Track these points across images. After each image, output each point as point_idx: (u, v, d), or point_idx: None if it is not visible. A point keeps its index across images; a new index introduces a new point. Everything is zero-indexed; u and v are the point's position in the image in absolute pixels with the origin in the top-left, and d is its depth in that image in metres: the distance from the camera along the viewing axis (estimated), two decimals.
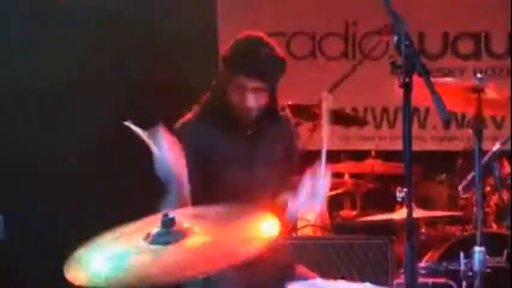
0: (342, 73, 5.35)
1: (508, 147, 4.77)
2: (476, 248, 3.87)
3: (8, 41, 6.80)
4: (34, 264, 6.01)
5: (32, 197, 6.56)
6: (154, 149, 3.56)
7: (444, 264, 4.58)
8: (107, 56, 6.72)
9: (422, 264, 4.85)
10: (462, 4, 7.36)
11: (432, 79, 2.98)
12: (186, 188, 3.66)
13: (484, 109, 4.06)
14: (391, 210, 5.07)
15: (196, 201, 3.63)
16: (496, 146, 4.37)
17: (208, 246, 2.86)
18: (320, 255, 4.26)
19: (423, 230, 5.76)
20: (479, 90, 3.98)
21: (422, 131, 7.01)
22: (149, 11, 6.80)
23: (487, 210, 5.45)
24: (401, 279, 4.21)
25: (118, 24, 6.72)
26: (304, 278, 3.70)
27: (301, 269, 3.84)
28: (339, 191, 6.07)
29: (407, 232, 2.91)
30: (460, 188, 5.01)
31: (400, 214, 4.06)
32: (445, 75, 6.81)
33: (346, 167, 6.17)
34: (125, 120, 3.57)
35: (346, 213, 6.27)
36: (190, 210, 3.42)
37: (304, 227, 5.48)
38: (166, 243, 2.79)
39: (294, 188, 3.87)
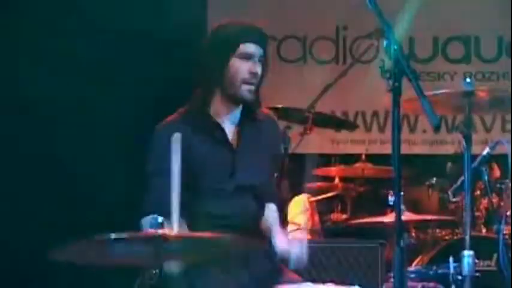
0: (332, 77, 5.32)
1: (497, 151, 4.79)
2: (465, 252, 3.86)
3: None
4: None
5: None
6: None
7: (434, 268, 4.53)
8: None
9: (411, 268, 4.83)
10: (452, 8, 7.39)
11: (422, 83, 3.02)
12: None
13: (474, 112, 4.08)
14: (382, 213, 5.11)
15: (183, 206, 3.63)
16: (486, 150, 4.34)
17: None
18: (310, 258, 4.26)
19: (413, 234, 5.76)
20: (468, 95, 3.95)
21: (412, 135, 7.06)
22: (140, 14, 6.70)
23: (476, 214, 5.49)
24: (390, 283, 4.18)
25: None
26: (292, 281, 3.71)
27: (288, 273, 3.83)
28: (330, 194, 6.07)
29: (396, 236, 2.94)
30: (449, 192, 5.07)
31: (391, 217, 4.08)
32: (435, 79, 6.77)
33: (337, 170, 6.19)
34: None
35: (337, 216, 6.26)
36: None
37: (294, 230, 5.37)
38: None
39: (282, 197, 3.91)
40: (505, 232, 5.13)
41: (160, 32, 6.59)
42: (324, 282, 3.76)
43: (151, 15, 6.77)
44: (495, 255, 4.77)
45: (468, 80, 4.09)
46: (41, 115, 6.48)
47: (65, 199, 6.49)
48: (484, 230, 5.52)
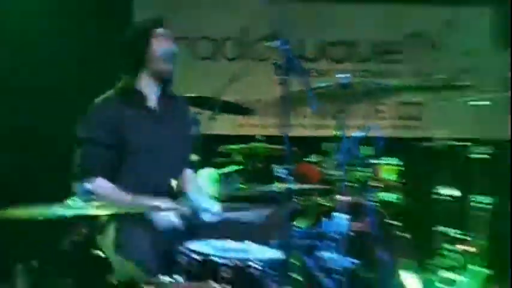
0: (237, 72, 5.36)
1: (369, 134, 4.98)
2: (338, 214, 4.04)
3: None
4: None
5: None
6: None
7: (315, 228, 4.51)
8: None
9: (296, 227, 4.79)
10: (337, 17, 7.53)
11: (310, 78, 3.16)
12: None
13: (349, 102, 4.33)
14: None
15: (113, 169, 3.81)
16: (359, 134, 4.49)
17: None
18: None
19: (298, 200, 5.52)
20: (345, 87, 4.17)
21: (303, 119, 7.16)
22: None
23: (351, 184, 5.30)
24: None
25: None
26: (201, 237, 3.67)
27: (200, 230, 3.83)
28: (232, 168, 6.07)
29: (284, 201, 3.09)
30: (327, 165, 5.39)
31: (280, 187, 4.13)
32: (321, 75, 7.00)
33: (238, 148, 6.14)
34: None
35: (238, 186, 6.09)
36: None
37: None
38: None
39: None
40: (374, 199, 5.27)
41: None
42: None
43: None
44: (367, 219, 4.66)
45: (345, 75, 4.23)
46: None
47: None
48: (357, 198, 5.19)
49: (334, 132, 4.56)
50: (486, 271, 5.72)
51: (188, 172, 4.23)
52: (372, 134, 5.17)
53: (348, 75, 4.29)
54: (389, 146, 5.88)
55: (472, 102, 5.94)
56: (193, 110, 4.59)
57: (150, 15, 4.42)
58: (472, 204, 5.93)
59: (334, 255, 3.92)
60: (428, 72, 7.28)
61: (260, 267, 3.33)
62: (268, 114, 6.96)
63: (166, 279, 3.26)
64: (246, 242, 3.57)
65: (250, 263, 3.32)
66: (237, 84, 5.15)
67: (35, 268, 4.42)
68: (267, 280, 3.36)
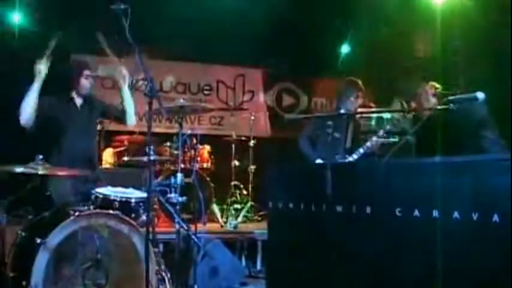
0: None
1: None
2: (178, 174, 3.85)
3: None
4: None
5: None
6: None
7: (167, 181, 4.30)
8: None
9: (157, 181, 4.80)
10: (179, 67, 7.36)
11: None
12: None
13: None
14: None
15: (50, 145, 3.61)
16: (188, 131, 4.54)
17: None
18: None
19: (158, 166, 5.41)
20: (182, 107, 4.00)
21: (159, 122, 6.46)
22: None
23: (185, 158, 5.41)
24: None
25: None
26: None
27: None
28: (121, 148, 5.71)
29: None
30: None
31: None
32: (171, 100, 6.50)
33: (127, 138, 5.73)
34: None
35: None
36: None
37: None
38: None
39: None
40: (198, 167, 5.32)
41: None
42: None
43: None
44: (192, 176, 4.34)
45: (182, 100, 4.07)
46: None
47: None
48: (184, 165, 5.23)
49: (176, 130, 4.27)
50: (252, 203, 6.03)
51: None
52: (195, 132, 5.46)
53: (183, 100, 4.09)
54: (206, 139, 6.10)
55: None
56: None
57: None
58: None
59: (174, 195, 3.84)
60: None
61: (134, 201, 3.34)
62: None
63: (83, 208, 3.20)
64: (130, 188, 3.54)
65: (129, 199, 3.34)
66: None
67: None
68: (139, 208, 3.34)
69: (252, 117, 6.33)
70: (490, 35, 4.83)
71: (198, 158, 5.64)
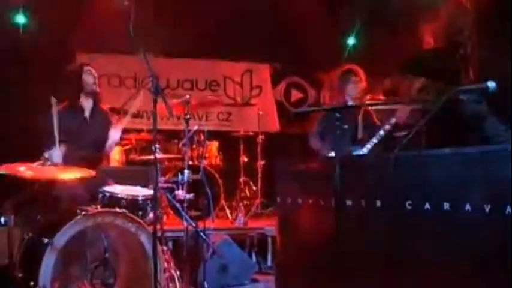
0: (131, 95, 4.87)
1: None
2: (185, 171, 3.90)
3: None
4: None
5: None
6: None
7: (174, 178, 4.20)
8: None
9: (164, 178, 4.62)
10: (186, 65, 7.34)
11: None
12: None
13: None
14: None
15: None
16: (195, 127, 4.46)
17: None
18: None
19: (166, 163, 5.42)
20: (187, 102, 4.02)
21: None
22: None
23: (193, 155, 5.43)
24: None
25: None
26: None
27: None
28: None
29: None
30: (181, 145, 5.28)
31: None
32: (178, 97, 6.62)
33: (134, 136, 5.69)
34: None
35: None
36: None
37: None
38: None
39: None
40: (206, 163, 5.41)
41: None
42: None
43: None
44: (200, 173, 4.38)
45: (187, 96, 4.05)
46: None
47: None
48: (195, 162, 5.27)
49: (181, 127, 4.33)
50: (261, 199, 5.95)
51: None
52: (202, 128, 5.37)
53: (188, 96, 4.02)
54: (214, 135, 6.21)
55: None
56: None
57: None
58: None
59: (181, 192, 3.86)
60: None
61: (141, 199, 3.35)
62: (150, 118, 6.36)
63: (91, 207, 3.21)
64: (137, 186, 3.55)
65: (137, 197, 3.36)
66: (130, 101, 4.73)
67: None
68: (146, 206, 3.35)
69: (260, 113, 6.29)
70: (500, 25, 4.74)
71: (206, 155, 5.63)
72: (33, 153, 3.29)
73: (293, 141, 6.22)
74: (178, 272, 3.52)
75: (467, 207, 2.09)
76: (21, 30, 6.10)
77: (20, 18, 6.12)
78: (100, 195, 3.32)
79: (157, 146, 3.11)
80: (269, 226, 5.02)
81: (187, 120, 4.01)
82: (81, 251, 3.04)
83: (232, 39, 6.60)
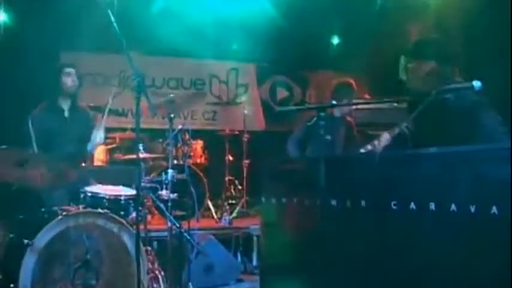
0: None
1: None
2: (169, 170, 3.84)
3: None
4: None
5: None
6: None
7: (158, 178, 4.35)
8: None
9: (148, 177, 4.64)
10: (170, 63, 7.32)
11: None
12: None
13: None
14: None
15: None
16: (179, 126, 4.27)
17: None
18: None
19: (151, 162, 5.38)
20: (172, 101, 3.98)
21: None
22: None
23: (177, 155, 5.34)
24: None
25: None
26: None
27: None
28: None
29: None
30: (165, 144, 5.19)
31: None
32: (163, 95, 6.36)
33: (118, 135, 5.64)
34: None
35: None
36: None
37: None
38: None
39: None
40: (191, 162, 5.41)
41: None
42: None
43: None
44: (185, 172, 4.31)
45: (171, 95, 4.10)
46: None
47: None
48: (180, 161, 5.19)
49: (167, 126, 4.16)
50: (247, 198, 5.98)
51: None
52: (186, 127, 5.30)
53: (172, 95, 4.07)
54: (199, 134, 6.15)
55: None
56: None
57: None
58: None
59: (165, 192, 3.79)
60: None
61: (123, 199, 3.32)
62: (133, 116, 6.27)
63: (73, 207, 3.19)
64: (120, 186, 3.50)
65: (119, 197, 3.33)
66: (116, 99, 4.91)
67: None
68: (129, 206, 3.32)
69: (246, 111, 6.25)
70: (488, 23, 4.78)
71: (192, 154, 5.58)
72: None
73: (279, 140, 6.18)
74: (162, 273, 3.48)
75: (453, 207, 2.07)
76: (2, 28, 6.00)
77: (0, 16, 6.01)
78: (82, 195, 3.28)
79: (142, 144, 3.08)
80: (254, 225, 5.00)
81: (171, 119, 3.94)
82: (62, 252, 2.98)
83: (218, 38, 6.57)
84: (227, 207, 5.70)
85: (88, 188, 3.33)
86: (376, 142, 3.61)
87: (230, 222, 5.35)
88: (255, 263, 4.98)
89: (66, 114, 3.88)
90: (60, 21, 5.79)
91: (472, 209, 2.00)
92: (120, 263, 3.10)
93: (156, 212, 5.04)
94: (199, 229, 4.52)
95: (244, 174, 6.05)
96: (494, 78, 2.85)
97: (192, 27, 6.18)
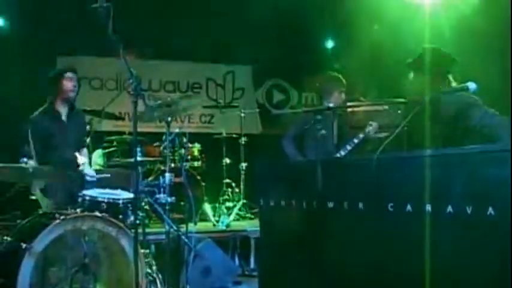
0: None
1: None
2: (167, 174, 3.73)
3: None
4: None
5: None
6: None
7: (155, 181, 4.30)
8: None
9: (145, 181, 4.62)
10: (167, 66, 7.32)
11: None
12: None
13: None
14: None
15: (40, 155, 3.56)
16: (176, 129, 4.38)
17: None
18: None
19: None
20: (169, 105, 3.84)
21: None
22: None
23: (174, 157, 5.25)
24: None
25: None
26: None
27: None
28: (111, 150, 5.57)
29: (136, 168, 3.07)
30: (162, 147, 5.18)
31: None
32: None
33: (116, 139, 5.53)
34: None
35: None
36: None
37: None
38: None
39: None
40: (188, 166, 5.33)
41: None
42: None
43: None
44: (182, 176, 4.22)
45: (170, 98, 4.06)
46: None
47: None
48: (177, 165, 5.07)
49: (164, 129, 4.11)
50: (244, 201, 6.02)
51: (84, 151, 4.03)
52: (183, 130, 5.33)
53: (169, 99, 3.86)
54: (196, 137, 6.13)
55: None
56: (87, 117, 4.32)
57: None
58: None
59: (162, 195, 3.74)
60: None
61: (122, 203, 3.29)
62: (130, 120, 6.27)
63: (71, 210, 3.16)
64: (118, 189, 3.46)
65: (117, 200, 3.30)
66: (114, 103, 4.85)
67: None
68: (127, 210, 3.30)
69: (243, 115, 6.25)
70: (483, 26, 4.81)
71: (189, 157, 5.55)
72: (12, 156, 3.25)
73: (276, 143, 6.20)
74: (160, 276, 3.47)
75: (449, 208, 2.09)
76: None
77: None
78: (80, 199, 3.27)
79: (139, 148, 3.08)
80: (252, 228, 4.99)
81: (168, 123, 3.87)
82: (60, 256, 2.97)
83: (213, 41, 6.57)
84: (224, 210, 5.69)
85: (86, 192, 3.32)
86: (366, 130, 3.67)
87: (228, 225, 5.35)
88: (252, 265, 4.96)
89: (63, 117, 3.89)
90: (57, 25, 5.80)
91: (469, 210, 2.03)
92: (118, 267, 3.10)
93: (153, 215, 5.02)
94: (196, 232, 4.48)
95: (242, 177, 6.04)
96: (491, 79, 2.87)
97: (188, 30, 6.22)
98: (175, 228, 3.73)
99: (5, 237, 3.11)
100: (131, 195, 3.39)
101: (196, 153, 5.77)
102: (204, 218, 5.56)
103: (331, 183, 2.60)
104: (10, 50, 5.76)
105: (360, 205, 2.46)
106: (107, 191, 3.46)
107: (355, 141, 3.99)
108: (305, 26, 6.72)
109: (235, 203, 5.95)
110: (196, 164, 5.69)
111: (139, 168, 4.02)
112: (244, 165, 6.07)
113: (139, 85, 2.83)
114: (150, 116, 3.10)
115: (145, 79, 6.85)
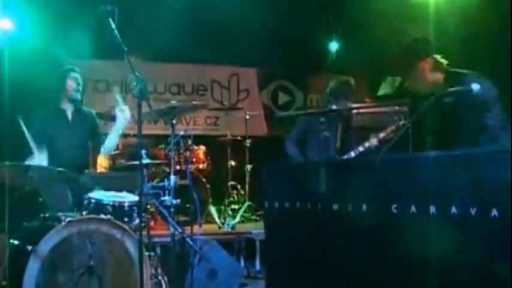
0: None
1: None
2: (172, 176, 3.85)
3: None
4: None
5: None
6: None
7: (160, 183, 4.17)
8: None
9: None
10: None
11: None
12: None
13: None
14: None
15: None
16: (181, 132, 4.41)
17: None
18: None
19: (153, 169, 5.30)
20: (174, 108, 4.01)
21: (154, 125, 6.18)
22: None
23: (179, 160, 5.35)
24: None
25: None
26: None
27: None
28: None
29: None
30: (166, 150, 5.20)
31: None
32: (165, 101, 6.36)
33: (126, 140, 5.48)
34: None
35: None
36: None
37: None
38: None
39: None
40: (193, 168, 5.45)
41: None
42: None
43: None
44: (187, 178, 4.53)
45: (175, 101, 4.16)
46: None
47: None
48: (182, 167, 5.27)
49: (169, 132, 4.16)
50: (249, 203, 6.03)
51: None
52: (188, 133, 5.35)
53: (174, 102, 4.11)
54: (201, 139, 6.17)
55: None
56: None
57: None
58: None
59: (168, 197, 3.81)
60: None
61: (127, 205, 3.32)
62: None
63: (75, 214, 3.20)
64: (123, 192, 3.47)
65: (122, 203, 3.33)
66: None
67: None
68: (132, 212, 3.31)
69: (248, 116, 6.27)
70: (487, 25, 4.80)
71: (194, 159, 5.58)
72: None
73: (281, 145, 6.21)
74: (165, 278, 3.48)
75: (453, 210, 2.09)
76: (5, 35, 6.01)
77: (4, 23, 6.00)
78: (85, 202, 3.28)
79: (144, 150, 3.10)
80: (257, 230, 4.99)
81: (173, 125, 3.96)
82: (66, 259, 2.98)
83: (218, 43, 6.59)
84: (230, 212, 5.70)
85: (91, 195, 3.34)
86: (366, 144, 3.67)
87: (233, 227, 5.36)
88: (258, 267, 4.97)
89: (69, 117, 3.90)
90: (63, 28, 5.84)
91: (473, 211, 2.02)
92: (124, 269, 3.11)
93: (159, 217, 5.04)
94: (202, 234, 4.51)
95: (247, 179, 6.05)
96: (495, 77, 2.87)
97: (193, 32, 6.23)
98: (180, 230, 3.76)
99: (11, 240, 3.12)
100: (136, 198, 3.40)
101: (201, 155, 5.80)
102: (209, 220, 5.58)
103: (335, 185, 2.59)
104: (17, 52, 5.80)
105: (364, 207, 2.46)
106: (112, 193, 3.47)
107: (360, 149, 3.97)
108: (310, 27, 6.74)
109: (240, 205, 5.97)
110: (201, 166, 5.73)
111: (145, 170, 3.99)
112: (249, 167, 6.08)
113: (145, 88, 2.86)
114: (155, 118, 3.09)
115: (150, 82, 6.87)
